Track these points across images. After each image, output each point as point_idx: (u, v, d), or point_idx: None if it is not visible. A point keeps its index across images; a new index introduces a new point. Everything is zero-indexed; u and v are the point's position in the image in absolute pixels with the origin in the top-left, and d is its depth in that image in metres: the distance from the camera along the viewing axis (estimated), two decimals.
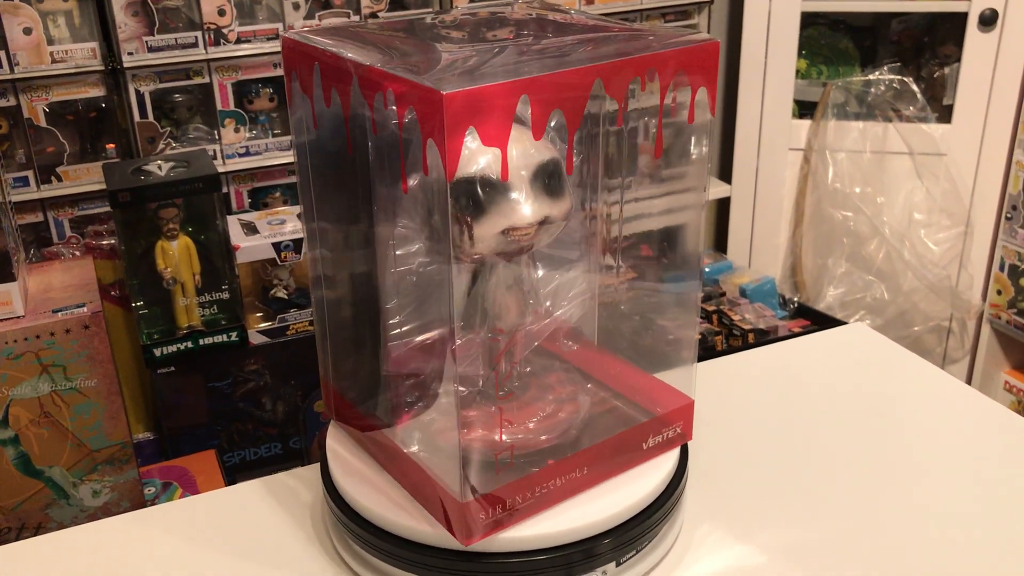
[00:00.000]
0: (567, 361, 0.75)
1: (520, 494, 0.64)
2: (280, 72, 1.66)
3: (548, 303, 0.69)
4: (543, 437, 0.68)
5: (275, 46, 1.63)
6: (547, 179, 0.60)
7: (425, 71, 0.57)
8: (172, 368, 1.43)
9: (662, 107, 0.61)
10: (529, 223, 0.60)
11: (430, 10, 1.75)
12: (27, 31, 1.49)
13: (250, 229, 1.50)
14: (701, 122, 0.64)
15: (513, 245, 0.61)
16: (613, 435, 0.68)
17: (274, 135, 1.70)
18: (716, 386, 0.94)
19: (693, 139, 0.66)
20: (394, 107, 0.57)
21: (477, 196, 0.59)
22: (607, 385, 0.75)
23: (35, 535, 1.10)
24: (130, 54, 1.55)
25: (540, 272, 0.69)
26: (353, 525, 0.68)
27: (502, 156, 0.57)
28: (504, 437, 0.67)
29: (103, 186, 1.46)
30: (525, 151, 0.59)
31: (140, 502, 1.17)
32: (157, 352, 1.41)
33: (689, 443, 0.75)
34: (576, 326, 0.75)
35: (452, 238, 0.59)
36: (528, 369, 0.71)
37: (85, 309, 1.06)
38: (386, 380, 0.71)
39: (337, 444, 0.74)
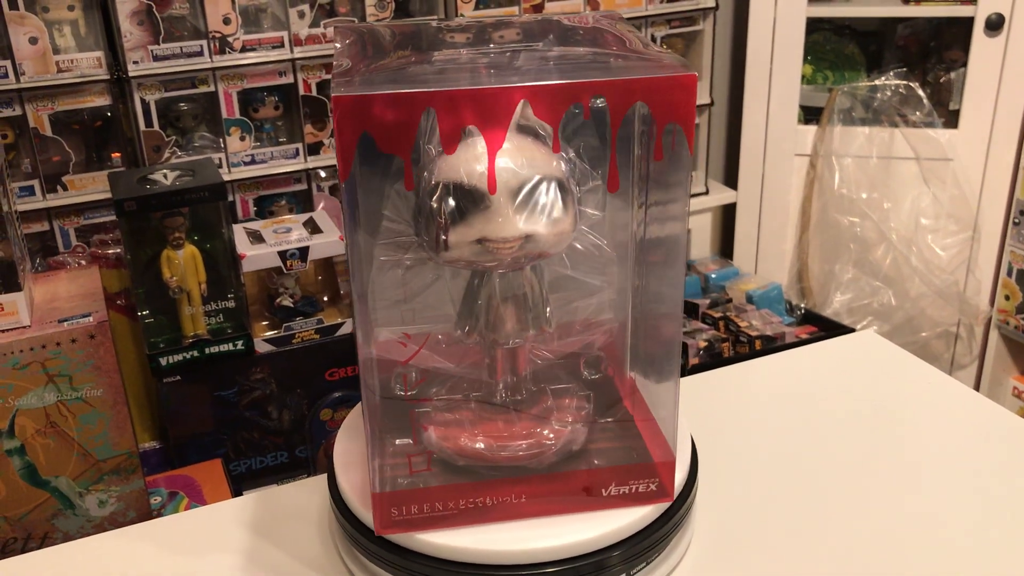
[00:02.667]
0: (590, 388, 0.72)
1: (441, 501, 0.64)
2: (284, 81, 1.66)
3: (554, 324, 0.68)
4: (499, 454, 0.67)
5: (280, 54, 1.63)
6: (537, 195, 0.59)
7: (366, 73, 0.58)
8: (178, 377, 1.43)
9: (614, 139, 0.58)
10: (504, 237, 0.59)
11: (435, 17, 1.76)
12: (33, 40, 1.50)
13: (256, 238, 1.50)
14: (678, 160, 0.60)
15: (489, 257, 0.60)
16: (562, 472, 0.66)
17: (279, 143, 1.70)
18: (725, 395, 0.93)
19: (670, 176, 0.62)
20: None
21: (450, 202, 0.59)
22: (615, 420, 0.72)
23: (41, 545, 1.10)
24: (135, 63, 1.55)
25: (542, 287, 0.67)
26: (360, 536, 0.67)
27: (405, 165, 0.58)
28: (469, 443, 0.67)
29: (109, 195, 1.46)
30: (514, 163, 0.58)
31: (146, 512, 1.17)
32: (163, 361, 1.41)
33: (699, 453, 0.74)
34: (599, 353, 0.73)
35: (435, 239, 0.60)
36: (536, 386, 0.71)
37: (91, 319, 1.06)
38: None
39: (344, 454, 0.74)
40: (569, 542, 0.63)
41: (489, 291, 0.65)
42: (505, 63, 0.61)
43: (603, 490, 0.66)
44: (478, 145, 0.58)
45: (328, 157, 1.72)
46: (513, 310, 0.66)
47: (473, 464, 0.67)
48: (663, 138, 0.60)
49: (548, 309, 0.67)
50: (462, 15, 1.75)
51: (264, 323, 1.52)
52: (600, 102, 0.57)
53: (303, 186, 1.74)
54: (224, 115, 1.64)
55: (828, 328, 2.00)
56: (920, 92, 2.10)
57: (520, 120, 0.58)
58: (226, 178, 1.63)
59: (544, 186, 0.59)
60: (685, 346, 1.86)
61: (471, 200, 0.59)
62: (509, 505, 0.65)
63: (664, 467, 0.66)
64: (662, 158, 0.59)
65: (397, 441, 0.69)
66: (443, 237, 0.60)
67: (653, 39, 1.98)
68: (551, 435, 0.67)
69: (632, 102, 0.57)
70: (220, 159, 1.65)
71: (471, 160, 0.58)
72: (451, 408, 0.70)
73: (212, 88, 1.62)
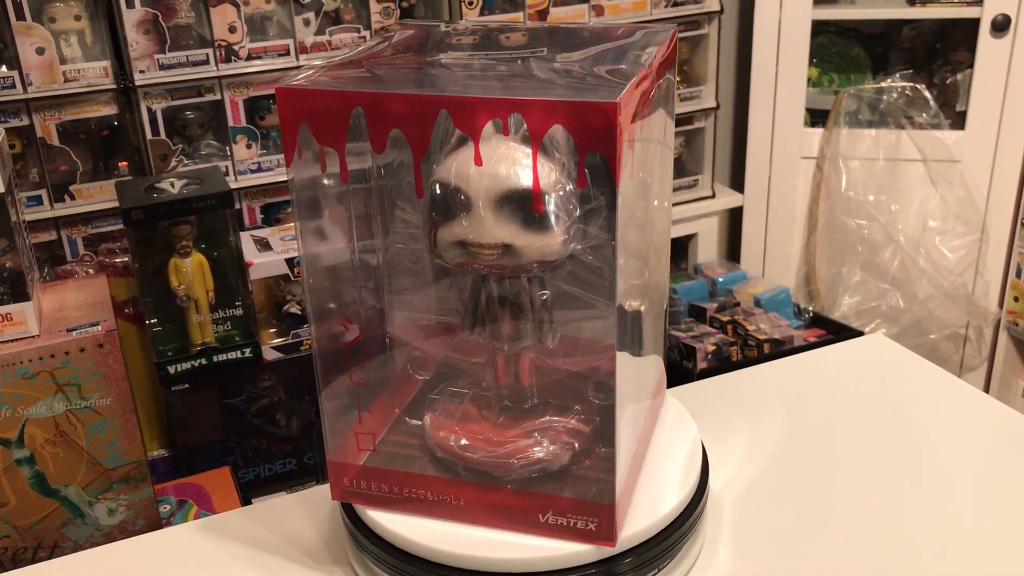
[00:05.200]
0: (600, 413, 0.71)
1: (388, 483, 0.67)
2: None
3: (556, 339, 0.67)
4: (469, 455, 0.67)
5: (286, 62, 1.64)
6: (517, 206, 0.59)
7: (333, 70, 0.62)
8: (186, 385, 1.43)
9: (535, 159, 0.57)
10: (481, 243, 0.59)
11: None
12: (40, 51, 1.50)
13: (263, 245, 1.51)
14: (603, 191, 0.58)
15: (472, 260, 0.61)
16: (512, 488, 0.66)
17: None
18: (735, 399, 0.93)
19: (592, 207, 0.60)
20: None
21: (439, 200, 0.60)
22: (608, 449, 0.69)
23: (51, 555, 1.10)
24: (142, 72, 1.56)
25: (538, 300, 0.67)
26: (370, 544, 0.67)
27: (340, 159, 0.60)
28: (448, 437, 0.68)
29: (116, 204, 1.47)
30: (502, 171, 0.58)
31: (155, 520, 1.17)
32: (171, 369, 1.41)
33: (709, 458, 0.74)
34: (603, 379, 0.72)
35: (426, 236, 0.61)
36: (540, 399, 0.70)
37: (99, 327, 1.06)
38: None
39: None
40: (580, 549, 0.63)
41: (487, 294, 0.66)
42: (468, 69, 0.63)
43: (540, 515, 0.64)
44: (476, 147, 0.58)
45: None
46: (510, 317, 0.66)
47: (449, 459, 0.68)
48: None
49: (549, 323, 0.67)
50: (466, 21, 1.75)
51: (272, 330, 1.53)
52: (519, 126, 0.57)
53: None
54: (230, 123, 1.64)
55: (836, 331, 1.99)
56: (926, 94, 2.09)
57: (525, 131, 0.58)
58: (233, 186, 1.63)
59: (524, 197, 0.58)
60: (693, 350, 1.86)
61: (455, 202, 0.59)
62: (447, 504, 0.66)
63: (598, 509, 0.63)
64: (585, 186, 0.58)
65: (407, 419, 0.71)
66: (432, 234, 0.61)
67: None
68: (529, 450, 0.67)
69: (551, 124, 0.55)
70: (227, 167, 1.65)
71: (463, 162, 0.59)
72: (456, 401, 0.71)
73: (218, 96, 1.62)
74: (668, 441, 0.74)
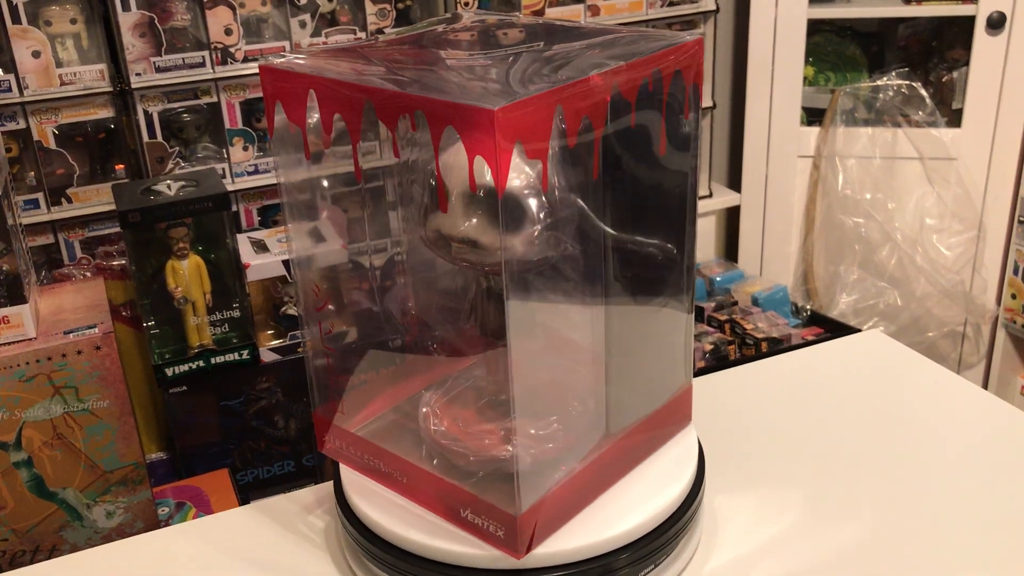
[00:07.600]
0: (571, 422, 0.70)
1: (356, 447, 0.71)
2: None
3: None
4: (437, 439, 0.69)
5: None
6: (484, 204, 0.59)
7: (321, 57, 0.64)
8: (184, 387, 1.43)
9: (437, 159, 0.56)
10: (451, 235, 0.61)
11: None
12: (36, 54, 1.50)
13: (260, 247, 1.50)
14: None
15: (449, 252, 0.62)
16: (440, 477, 0.66)
17: None
18: (732, 396, 0.93)
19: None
20: None
21: (430, 189, 0.62)
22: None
23: (49, 557, 1.10)
24: (138, 75, 1.56)
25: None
26: (367, 543, 0.67)
27: (303, 136, 0.63)
28: (429, 418, 0.70)
29: (113, 207, 1.47)
30: (476, 168, 0.57)
31: (154, 522, 1.17)
32: (169, 371, 1.41)
33: (706, 455, 0.74)
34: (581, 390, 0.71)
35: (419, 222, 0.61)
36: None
37: (97, 330, 1.06)
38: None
39: None
40: (576, 546, 0.63)
41: (477, 288, 0.67)
42: (437, 65, 0.64)
43: (461, 510, 0.65)
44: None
45: (330, 166, 1.72)
46: (493, 313, 0.66)
47: (427, 438, 0.70)
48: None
49: (532, 324, 0.66)
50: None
51: (269, 332, 1.53)
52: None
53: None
54: (227, 125, 1.64)
55: (834, 329, 1.99)
56: (922, 92, 2.09)
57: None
58: (230, 188, 1.63)
59: (495, 198, 0.58)
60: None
61: (439, 192, 0.60)
62: (394, 479, 0.69)
63: (504, 518, 0.62)
64: (476, 191, 0.58)
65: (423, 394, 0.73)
66: (424, 220, 0.63)
67: None
68: (491, 447, 0.67)
69: (445, 126, 0.54)
70: (223, 169, 1.65)
71: (451, 153, 0.59)
72: (460, 385, 0.72)
73: (215, 99, 1.62)
74: (664, 451, 0.73)
